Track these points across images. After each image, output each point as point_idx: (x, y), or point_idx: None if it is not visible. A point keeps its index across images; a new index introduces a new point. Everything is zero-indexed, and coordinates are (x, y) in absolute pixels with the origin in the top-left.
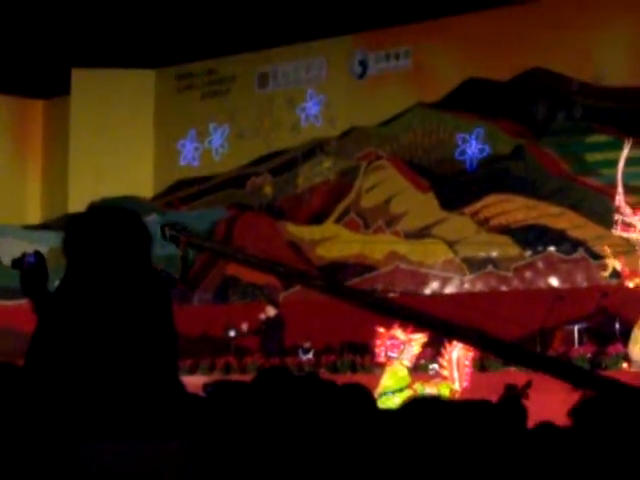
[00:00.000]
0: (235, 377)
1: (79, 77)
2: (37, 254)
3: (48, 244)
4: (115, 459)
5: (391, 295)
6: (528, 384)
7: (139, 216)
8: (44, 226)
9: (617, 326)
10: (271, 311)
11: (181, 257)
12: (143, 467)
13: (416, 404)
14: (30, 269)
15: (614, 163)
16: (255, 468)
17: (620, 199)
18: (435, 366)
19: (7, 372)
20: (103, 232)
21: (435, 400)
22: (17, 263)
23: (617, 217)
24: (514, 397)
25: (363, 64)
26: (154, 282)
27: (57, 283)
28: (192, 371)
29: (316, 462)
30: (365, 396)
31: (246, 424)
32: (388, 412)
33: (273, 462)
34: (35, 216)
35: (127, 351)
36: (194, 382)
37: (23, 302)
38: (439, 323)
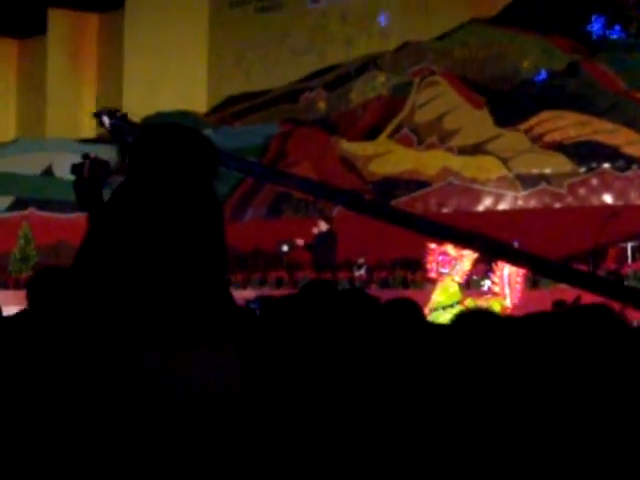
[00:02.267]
0: (286, 291)
1: None
2: (94, 159)
3: (102, 158)
4: (164, 369)
5: (444, 211)
6: (577, 299)
7: (204, 137)
8: (98, 140)
9: None
10: (323, 226)
11: (120, 147)
12: (191, 376)
13: (467, 317)
14: (87, 179)
15: None
16: (299, 379)
17: None
18: (487, 282)
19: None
20: (169, 149)
21: (486, 313)
22: (77, 169)
23: None
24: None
25: None
26: (209, 200)
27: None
28: (244, 285)
29: (360, 376)
30: (414, 310)
31: (290, 336)
32: (439, 326)
33: (316, 373)
34: (90, 130)
35: (176, 263)
36: (246, 296)
37: (79, 215)
38: (485, 244)
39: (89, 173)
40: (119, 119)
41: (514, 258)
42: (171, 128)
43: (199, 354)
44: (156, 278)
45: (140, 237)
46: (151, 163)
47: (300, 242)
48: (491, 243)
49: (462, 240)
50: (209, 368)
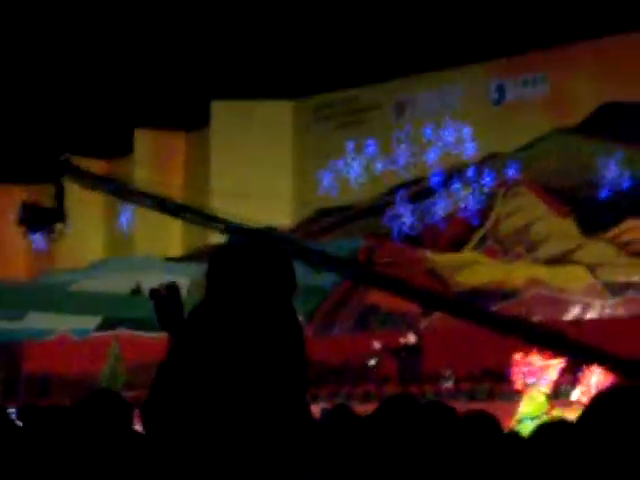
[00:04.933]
0: (374, 406)
1: (218, 109)
2: (171, 285)
3: (189, 276)
4: None
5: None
6: None
7: (286, 255)
8: (186, 258)
9: None
10: (412, 338)
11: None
12: None
13: (545, 430)
14: (164, 300)
15: None
16: None
17: None
18: (576, 392)
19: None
20: (248, 269)
21: (562, 424)
22: (154, 293)
23: None
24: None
25: (500, 90)
26: (289, 322)
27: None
28: (330, 399)
29: None
30: (492, 425)
31: (365, 452)
32: (518, 438)
33: None
34: (177, 248)
35: (257, 383)
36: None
37: (165, 335)
38: (578, 347)
39: (167, 296)
40: (61, 164)
41: (606, 362)
42: (249, 245)
43: (278, 475)
44: (236, 398)
45: (220, 356)
46: (230, 283)
47: (382, 353)
48: (582, 348)
49: (552, 343)
50: None
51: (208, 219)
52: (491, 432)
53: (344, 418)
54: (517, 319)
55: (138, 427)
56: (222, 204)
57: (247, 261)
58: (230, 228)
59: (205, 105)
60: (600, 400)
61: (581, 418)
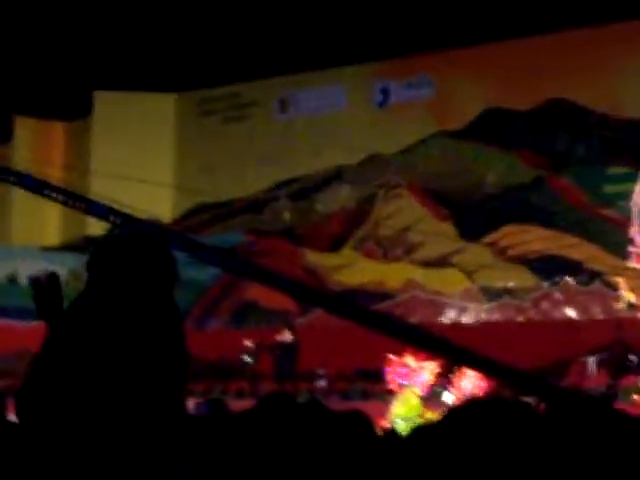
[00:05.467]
0: (248, 402)
1: (101, 100)
2: (51, 274)
3: (67, 266)
4: None
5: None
6: None
7: (167, 247)
8: (63, 248)
9: (633, 358)
10: (288, 336)
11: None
12: None
13: (421, 432)
14: (44, 289)
15: (630, 195)
16: None
17: (635, 231)
18: (448, 394)
19: None
20: (129, 261)
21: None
22: (34, 282)
23: (632, 249)
24: None
25: (384, 92)
26: (169, 315)
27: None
28: (204, 395)
29: None
30: (365, 424)
31: (241, 449)
32: (394, 439)
33: None
34: (54, 238)
35: (134, 378)
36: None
37: (40, 323)
38: (453, 350)
39: (46, 285)
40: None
41: (479, 366)
42: (131, 237)
43: (152, 474)
44: (114, 391)
45: (98, 348)
46: (110, 273)
47: (258, 352)
48: (457, 351)
49: (427, 345)
50: None
51: (74, 198)
52: (364, 431)
53: (219, 414)
54: (394, 319)
55: (10, 416)
56: (101, 197)
57: (128, 252)
58: (95, 209)
59: (87, 95)
60: (464, 409)
61: (443, 421)
